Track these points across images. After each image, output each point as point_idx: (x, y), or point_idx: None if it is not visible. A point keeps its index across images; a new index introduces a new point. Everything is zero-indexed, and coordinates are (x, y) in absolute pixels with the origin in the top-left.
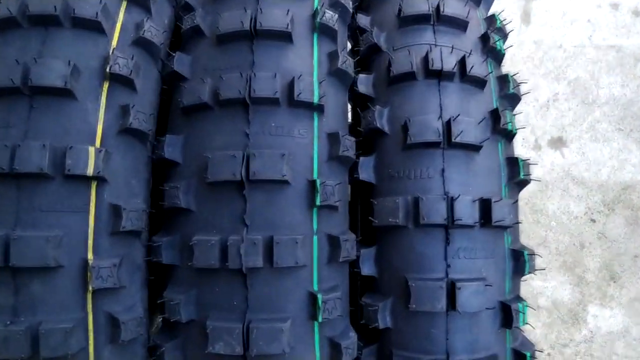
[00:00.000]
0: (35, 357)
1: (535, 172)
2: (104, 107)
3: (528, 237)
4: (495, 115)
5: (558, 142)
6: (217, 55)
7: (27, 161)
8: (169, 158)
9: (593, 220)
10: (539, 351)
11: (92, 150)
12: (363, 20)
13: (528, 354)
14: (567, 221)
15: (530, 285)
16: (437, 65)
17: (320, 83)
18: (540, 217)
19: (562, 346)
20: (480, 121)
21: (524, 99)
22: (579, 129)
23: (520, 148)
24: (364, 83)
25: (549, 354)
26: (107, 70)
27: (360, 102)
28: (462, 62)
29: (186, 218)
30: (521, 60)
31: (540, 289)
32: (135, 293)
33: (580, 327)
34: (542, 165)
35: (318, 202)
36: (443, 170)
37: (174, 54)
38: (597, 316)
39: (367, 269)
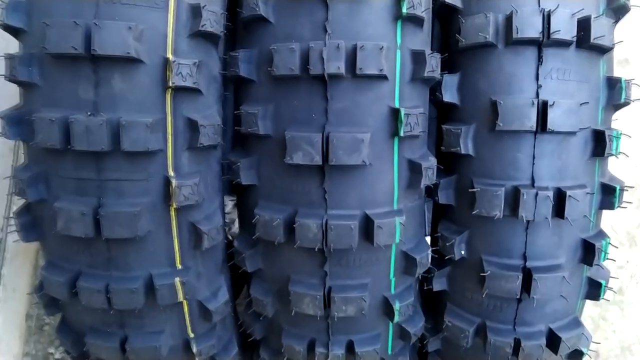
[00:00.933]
0: (115, 151)
1: None
2: None
3: None
4: None
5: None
6: None
7: None
8: None
9: None
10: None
11: None
12: None
13: (617, 188)
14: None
15: None
16: None
17: None
18: None
19: (618, 267)
20: None
21: None
22: None
23: None
24: None
25: None
26: None
27: None
28: None
29: (264, 29)
30: None
31: None
32: (212, 104)
33: (638, 250)
34: None
35: (404, 11)
36: None
37: None
38: None
39: (450, 95)
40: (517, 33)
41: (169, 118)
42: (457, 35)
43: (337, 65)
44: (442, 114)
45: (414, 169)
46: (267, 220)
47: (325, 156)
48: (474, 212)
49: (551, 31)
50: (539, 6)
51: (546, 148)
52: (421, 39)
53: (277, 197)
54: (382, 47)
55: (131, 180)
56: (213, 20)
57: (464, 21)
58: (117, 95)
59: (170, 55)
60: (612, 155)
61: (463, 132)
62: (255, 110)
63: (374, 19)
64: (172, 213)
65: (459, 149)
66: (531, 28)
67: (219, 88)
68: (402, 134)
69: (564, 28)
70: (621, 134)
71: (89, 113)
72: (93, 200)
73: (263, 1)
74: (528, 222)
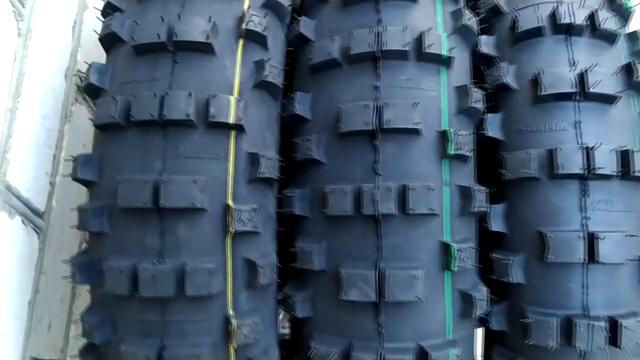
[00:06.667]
0: (179, 296)
1: None
2: (239, 62)
3: None
4: (628, 69)
5: None
6: (342, 18)
7: (174, 109)
8: (300, 114)
9: None
10: None
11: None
12: None
13: None
14: None
15: None
16: (566, 20)
17: (448, 36)
18: None
19: None
20: (615, 73)
21: None
22: None
23: None
24: (487, 43)
25: None
26: (243, 26)
27: (484, 63)
28: (591, 17)
29: (317, 169)
30: None
31: None
32: (269, 242)
33: None
34: None
35: (451, 152)
36: (577, 123)
37: (299, 19)
38: None
39: (497, 225)
40: (560, 169)
41: (229, 261)
42: (500, 170)
43: (388, 206)
44: (492, 243)
45: (467, 300)
46: (324, 353)
47: (379, 292)
48: (528, 342)
49: (592, 167)
50: (579, 143)
51: (596, 277)
52: (467, 173)
53: (333, 330)
54: (431, 188)
55: (193, 321)
56: (270, 166)
57: (507, 156)
58: (182, 243)
59: (230, 202)
60: None
61: (513, 262)
62: (310, 248)
63: (421, 158)
64: (231, 350)
65: (509, 278)
66: (573, 164)
67: (274, 226)
68: (454, 268)
69: (606, 163)
70: None
71: (155, 261)
72: (157, 342)
73: (316, 144)
74: (584, 352)
